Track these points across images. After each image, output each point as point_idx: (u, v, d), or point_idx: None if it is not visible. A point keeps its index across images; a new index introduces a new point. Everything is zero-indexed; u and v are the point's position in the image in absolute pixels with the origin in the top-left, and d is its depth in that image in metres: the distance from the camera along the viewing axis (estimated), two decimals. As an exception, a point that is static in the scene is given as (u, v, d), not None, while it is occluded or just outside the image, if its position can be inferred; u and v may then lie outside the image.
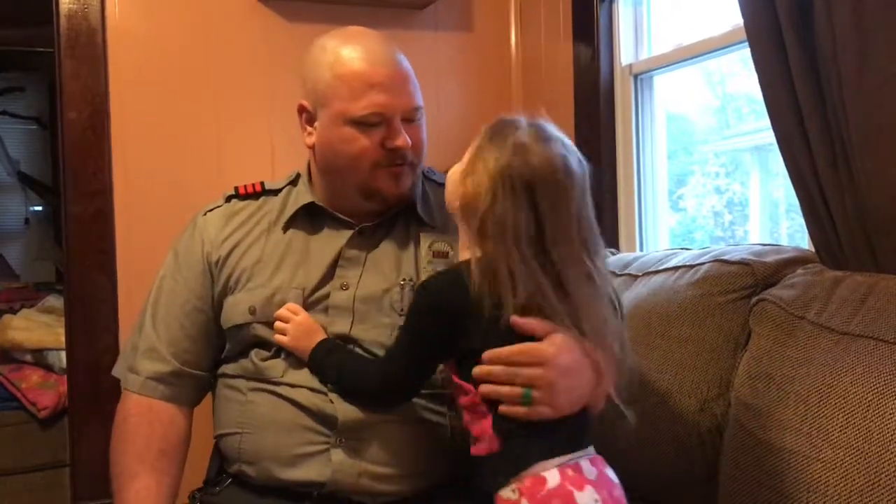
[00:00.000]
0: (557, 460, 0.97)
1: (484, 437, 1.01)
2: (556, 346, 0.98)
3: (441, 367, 1.13)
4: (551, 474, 0.96)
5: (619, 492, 1.01)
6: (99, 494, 1.75)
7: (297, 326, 1.19)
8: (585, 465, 0.99)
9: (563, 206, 1.00)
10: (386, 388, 1.12)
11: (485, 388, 0.99)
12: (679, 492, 1.30)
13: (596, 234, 1.04)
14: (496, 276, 0.97)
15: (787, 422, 1.07)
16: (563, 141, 1.04)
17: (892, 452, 0.93)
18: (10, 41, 3.47)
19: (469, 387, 1.01)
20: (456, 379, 1.04)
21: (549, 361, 0.97)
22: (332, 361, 1.16)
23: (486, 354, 0.99)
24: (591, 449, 1.03)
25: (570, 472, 0.97)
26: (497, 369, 0.98)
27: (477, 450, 1.02)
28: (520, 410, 0.97)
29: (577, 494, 0.95)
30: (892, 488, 0.92)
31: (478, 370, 0.99)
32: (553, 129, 1.04)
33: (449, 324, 1.01)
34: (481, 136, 1.03)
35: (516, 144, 1.00)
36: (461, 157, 1.06)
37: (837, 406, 1.01)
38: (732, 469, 1.16)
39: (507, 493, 0.96)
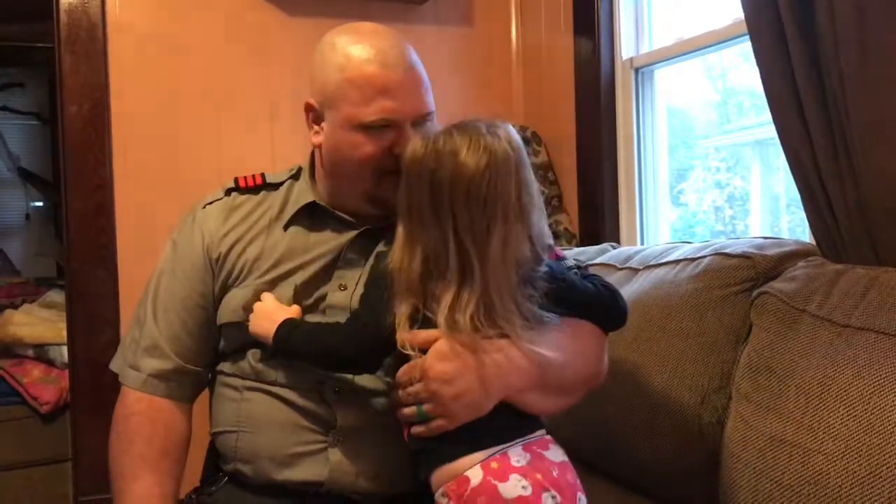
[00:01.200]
0: (482, 454, 0.98)
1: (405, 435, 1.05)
2: (435, 357, 1.00)
3: None
4: (473, 472, 0.97)
5: (559, 471, 0.99)
6: (101, 489, 1.75)
7: (257, 311, 1.16)
8: (514, 452, 0.99)
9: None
10: (347, 362, 1.09)
11: (398, 414, 1.04)
12: (680, 484, 1.30)
13: None
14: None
15: (789, 414, 1.07)
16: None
17: (893, 445, 0.93)
18: (10, 37, 3.46)
19: None
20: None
21: (424, 374, 0.99)
22: (297, 338, 1.12)
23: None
24: (535, 434, 1.03)
25: (493, 464, 0.97)
26: (396, 393, 1.03)
27: (406, 443, 1.05)
28: (420, 429, 1.01)
29: (501, 486, 0.95)
30: (893, 480, 0.92)
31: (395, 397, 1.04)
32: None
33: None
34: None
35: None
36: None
37: (839, 399, 1.01)
38: (733, 462, 1.16)
39: (439, 497, 0.99)
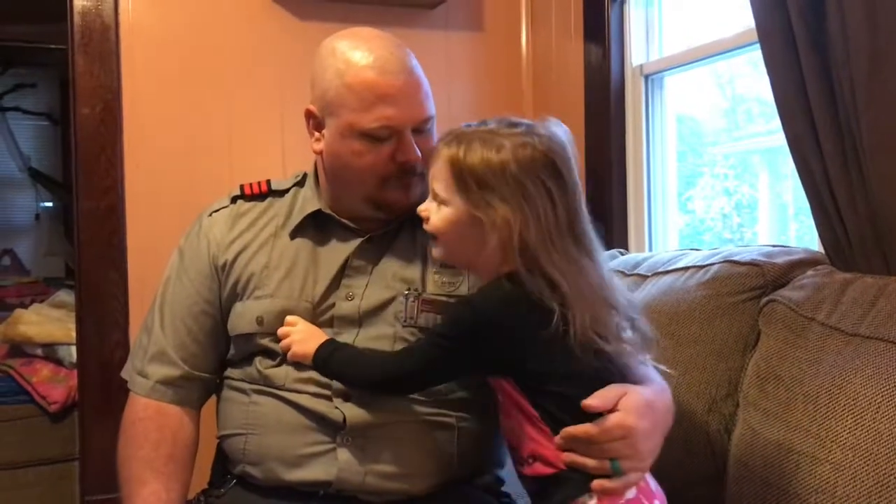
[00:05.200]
0: None
1: (544, 457, 0.98)
2: (636, 414, 0.97)
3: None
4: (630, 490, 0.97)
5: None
6: (108, 488, 1.76)
7: (300, 333, 1.17)
8: (650, 478, 1.01)
9: (574, 179, 1.00)
10: (392, 382, 1.09)
11: (568, 458, 0.96)
12: (686, 492, 1.30)
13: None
14: (557, 287, 0.95)
15: (796, 423, 1.07)
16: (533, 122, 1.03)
17: (901, 454, 0.93)
18: (23, 37, 3.49)
19: (531, 410, 0.99)
20: (519, 399, 1.00)
21: (632, 434, 0.96)
22: (337, 358, 1.13)
23: (563, 434, 0.96)
24: None
25: (642, 483, 0.98)
26: (579, 445, 0.97)
27: (536, 470, 1.00)
28: (611, 485, 0.95)
29: None
30: (900, 490, 0.92)
31: (559, 443, 0.97)
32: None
33: (495, 344, 0.98)
34: (453, 167, 0.99)
35: (515, 144, 0.97)
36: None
37: (847, 407, 1.01)
38: (740, 470, 1.16)
39: (584, 496, 0.96)
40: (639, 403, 0.98)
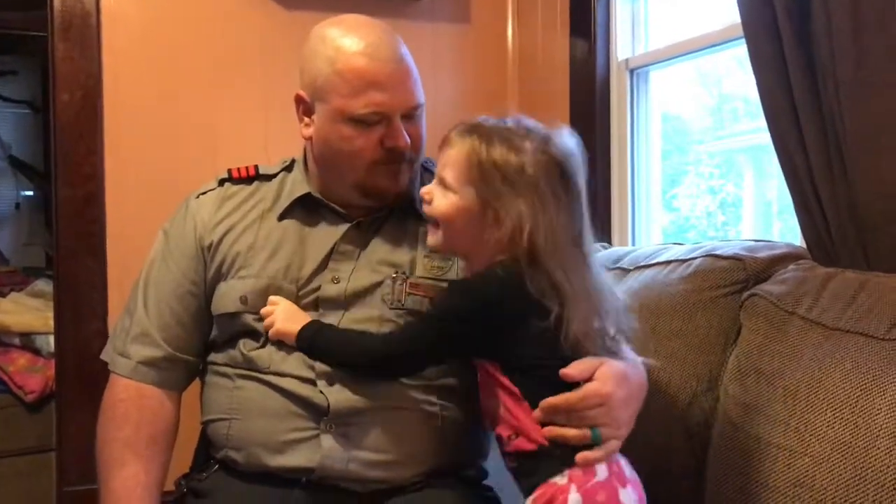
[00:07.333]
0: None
1: (525, 432, 1.00)
2: (613, 382, 1.00)
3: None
4: (601, 467, 0.98)
5: (643, 493, 1.03)
6: (85, 479, 1.75)
7: (284, 311, 1.16)
8: (625, 463, 1.02)
9: (581, 190, 1.04)
10: (378, 363, 1.09)
11: (549, 432, 0.99)
12: (667, 485, 1.30)
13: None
14: (558, 288, 0.98)
15: (776, 416, 1.08)
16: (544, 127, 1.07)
17: (878, 447, 0.93)
18: (4, 24, 3.45)
19: (512, 387, 1.01)
20: (500, 378, 1.02)
21: (609, 400, 0.99)
22: (325, 337, 1.13)
23: (543, 405, 0.99)
24: None
25: (615, 467, 1.00)
26: (559, 416, 0.99)
27: (518, 446, 1.01)
28: (593, 455, 0.97)
29: (621, 491, 0.98)
30: (878, 483, 0.92)
31: (538, 416, 0.99)
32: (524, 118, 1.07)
33: (488, 327, 1.00)
34: (470, 158, 1.01)
35: (534, 149, 1.01)
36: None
37: (826, 401, 1.02)
38: (720, 463, 1.16)
39: (556, 477, 0.98)
40: (615, 372, 1.02)
